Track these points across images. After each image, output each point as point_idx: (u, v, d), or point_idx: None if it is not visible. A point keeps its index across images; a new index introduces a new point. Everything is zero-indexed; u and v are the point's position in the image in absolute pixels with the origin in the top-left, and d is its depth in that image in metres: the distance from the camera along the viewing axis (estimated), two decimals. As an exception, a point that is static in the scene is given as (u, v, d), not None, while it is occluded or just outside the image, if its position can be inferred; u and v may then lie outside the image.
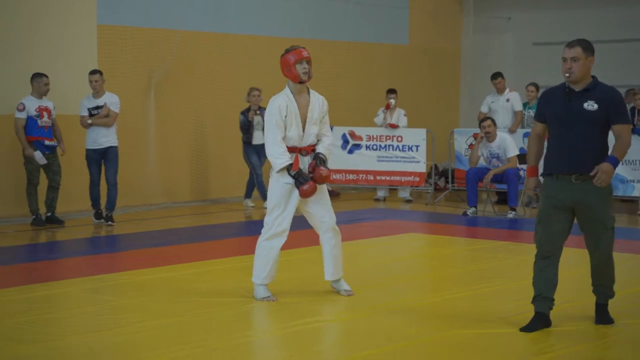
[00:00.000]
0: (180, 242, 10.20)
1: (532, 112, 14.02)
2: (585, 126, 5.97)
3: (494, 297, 7.25)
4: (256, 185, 13.09)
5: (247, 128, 12.86)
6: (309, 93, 7.00)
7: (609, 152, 6.01)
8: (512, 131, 13.46)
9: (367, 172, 14.46)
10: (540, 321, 6.12)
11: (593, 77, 6.06)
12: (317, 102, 6.99)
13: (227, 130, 13.77)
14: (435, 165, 15.05)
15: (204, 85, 13.75)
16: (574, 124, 5.99)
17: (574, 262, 7.90)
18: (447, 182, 15.04)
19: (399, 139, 14.25)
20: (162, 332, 6.05)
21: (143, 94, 13.09)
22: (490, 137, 12.28)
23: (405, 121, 14.34)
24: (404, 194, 14.48)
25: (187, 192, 13.75)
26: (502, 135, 12.44)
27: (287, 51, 6.90)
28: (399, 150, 14.22)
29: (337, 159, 14.15)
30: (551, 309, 6.18)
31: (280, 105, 6.83)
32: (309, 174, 6.88)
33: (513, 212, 12.20)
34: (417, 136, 14.24)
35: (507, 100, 13.95)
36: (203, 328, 6.18)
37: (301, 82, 6.87)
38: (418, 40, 17.10)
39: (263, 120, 12.88)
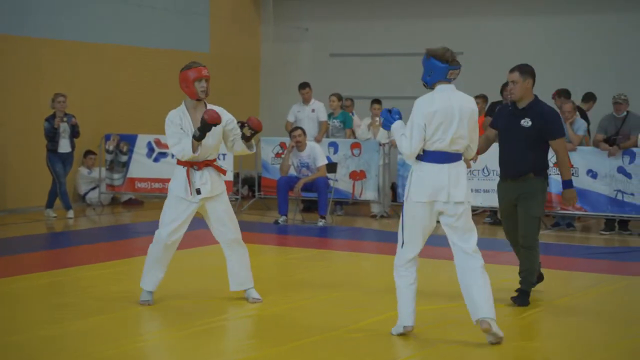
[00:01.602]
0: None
1: (336, 122, 14.32)
2: (521, 139, 7.13)
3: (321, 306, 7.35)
4: (59, 195, 12.53)
5: (52, 136, 12.28)
6: (206, 107, 7.02)
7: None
8: (317, 140, 13.65)
9: (174, 181, 14.19)
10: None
11: (535, 96, 7.16)
12: None
13: (29, 136, 13.08)
14: (237, 173, 15.00)
15: (5, 89, 13.00)
16: (514, 137, 7.19)
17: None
18: (250, 190, 15.07)
19: (203, 147, 14.09)
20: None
21: None
22: (300, 146, 12.44)
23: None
24: (211, 202, 14.32)
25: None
26: (311, 145, 12.64)
27: (188, 67, 6.89)
28: (205, 158, 14.06)
29: (143, 168, 13.89)
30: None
31: (173, 119, 6.95)
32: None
33: (323, 220, 12.42)
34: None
35: (313, 110, 14.14)
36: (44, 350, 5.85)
37: (198, 100, 6.96)
38: (219, 48, 17.02)
39: (69, 127, 12.53)
